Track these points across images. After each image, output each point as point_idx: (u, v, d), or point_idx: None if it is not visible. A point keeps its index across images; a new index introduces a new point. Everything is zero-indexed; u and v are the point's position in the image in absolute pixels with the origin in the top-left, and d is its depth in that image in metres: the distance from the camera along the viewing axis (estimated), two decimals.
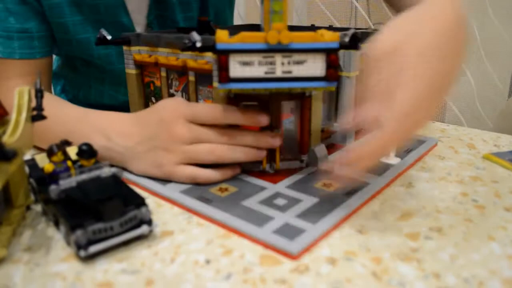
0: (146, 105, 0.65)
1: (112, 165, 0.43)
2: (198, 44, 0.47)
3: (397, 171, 0.54)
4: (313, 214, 0.44)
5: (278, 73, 0.44)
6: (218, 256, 0.39)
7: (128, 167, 0.53)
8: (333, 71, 0.44)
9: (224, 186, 0.50)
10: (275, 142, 0.51)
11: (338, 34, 0.45)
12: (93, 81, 0.83)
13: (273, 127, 0.52)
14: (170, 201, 0.48)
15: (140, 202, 0.40)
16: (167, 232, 0.42)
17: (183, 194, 0.48)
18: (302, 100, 0.53)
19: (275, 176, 0.53)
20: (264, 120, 0.50)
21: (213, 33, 0.59)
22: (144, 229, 0.40)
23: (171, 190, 0.49)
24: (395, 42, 0.41)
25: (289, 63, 0.44)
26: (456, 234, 0.42)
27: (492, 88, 0.88)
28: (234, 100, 0.52)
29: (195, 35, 0.47)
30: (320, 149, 0.55)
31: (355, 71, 0.61)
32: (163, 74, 0.60)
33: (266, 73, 0.44)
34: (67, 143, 0.47)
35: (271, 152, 0.53)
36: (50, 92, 0.77)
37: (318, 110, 0.54)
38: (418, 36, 0.41)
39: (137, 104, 0.65)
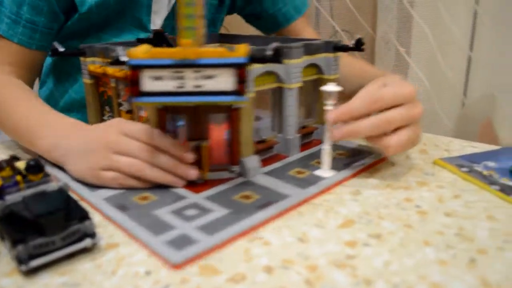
0: (102, 114, 0.66)
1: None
2: (122, 59, 0.48)
3: (324, 186, 0.54)
4: (215, 225, 0.45)
5: (189, 88, 0.46)
6: (158, 268, 0.40)
7: (67, 168, 0.57)
8: (243, 86, 0.46)
9: (145, 195, 0.52)
10: (190, 175, 0.53)
11: (247, 49, 0.46)
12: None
13: (201, 139, 0.54)
14: (94, 208, 0.50)
15: (83, 215, 0.41)
16: (112, 244, 0.43)
17: (105, 201, 0.50)
18: (230, 112, 0.54)
19: (202, 186, 0.54)
20: (188, 158, 0.53)
21: (168, 44, 0.61)
22: (87, 242, 0.41)
23: (96, 196, 0.52)
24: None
25: (198, 77, 0.46)
26: (393, 240, 0.43)
27: (449, 90, 0.89)
28: (164, 111, 0.53)
29: (120, 50, 0.49)
30: (250, 161, 0.56)
31: (296, 83, 0.61)
32: (113, 84, 0.61)
33: (177, 87, 0.46)
34: (15, 158, 0.47)
35: (200, 162, 0.54)
36: (32, 85, 0.81)
37: (248, 122, 0.55)
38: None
39: (93, 112, 0.66)
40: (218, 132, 0.54)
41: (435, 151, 0.67)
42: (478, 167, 0.60)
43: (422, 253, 0.41)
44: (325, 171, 0.57)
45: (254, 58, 0.47)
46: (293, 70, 0.61)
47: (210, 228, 0.44)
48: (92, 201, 0.50)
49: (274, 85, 0.62)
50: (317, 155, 0.64)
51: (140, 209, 0.48)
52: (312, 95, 0.69)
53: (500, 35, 0.80)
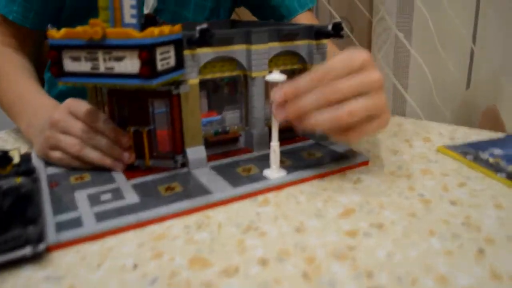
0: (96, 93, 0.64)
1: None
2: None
3: (259, 187, 0.49)
4: (113, 214, 0.43)
5: (102, 69, 0.44)
6: (147, 261, 0.37)
7: (33, 147, 0.58)
8: (146, 69, 0.43)
9: (83, 175, 0.52)
10: (124, 157, 0.52)
11: (153, 30, 0.43)
12: None
13: (142, 124, 0.52)
14: None
15: (30, 220, 0.38)
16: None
17: (47, 177, 0.52)
18: (169, 98, 0.51)
19: (139, 172, 0.53)
20: (123, 142, 0.52)
21: None
22: (26, 250, 0.36)
23: (43, 173, 0.53)
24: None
25: (109, 59, 0.44)
26: (396, 230, 0.41)
27: (450, 80, 0.86)
28: (107, 95, 0.53)
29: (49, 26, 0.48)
30: (194, 152, 0.53)
31: (260, 71, 0.56)
32: None
33: (92, 68, 0.45)
34: None
35: (140, 149, 0.53)
36: (35, 59, 0.81)
37: (192, 109, 0.52)
38: None
39: (90, 91, 0.64)
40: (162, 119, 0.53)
41: (439, 139, 0.65)
42: (484, 155, 0.57)
43: (427, 244, 0.39)
44: (272, 171, 0.51)
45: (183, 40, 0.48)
46: (256, 56, 0.55)
47: (106, 216, 0.43)
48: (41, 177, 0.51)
49: (235, 72, 0.57)
50: (284, 153, 0.57)
51: (67, 189, 0.49)
52: None
53: (504, 24, 0.77)
